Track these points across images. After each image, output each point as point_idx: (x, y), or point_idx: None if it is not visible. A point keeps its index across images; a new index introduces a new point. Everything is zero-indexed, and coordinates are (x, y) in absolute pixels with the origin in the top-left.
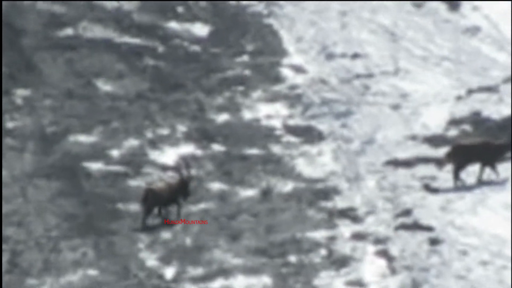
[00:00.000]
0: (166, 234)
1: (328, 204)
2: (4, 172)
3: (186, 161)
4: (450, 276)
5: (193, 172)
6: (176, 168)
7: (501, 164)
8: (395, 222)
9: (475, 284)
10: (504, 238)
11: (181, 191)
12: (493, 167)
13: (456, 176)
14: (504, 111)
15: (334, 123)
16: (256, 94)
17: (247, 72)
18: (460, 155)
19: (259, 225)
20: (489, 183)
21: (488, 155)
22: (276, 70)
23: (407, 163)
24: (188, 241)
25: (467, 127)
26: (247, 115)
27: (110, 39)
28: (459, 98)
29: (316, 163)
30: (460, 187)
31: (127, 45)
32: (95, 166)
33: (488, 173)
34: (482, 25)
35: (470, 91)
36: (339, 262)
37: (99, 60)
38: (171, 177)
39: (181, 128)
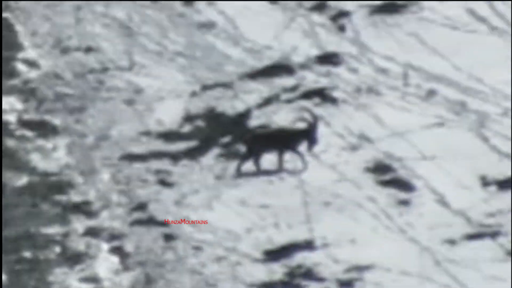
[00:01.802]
0: None
1: (63, 198)
2: None
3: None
4: (184, 272)
5: None
6: None
7: (234, 159)
8: (130, 217)
9: (209, 280)
10: (238, 234)
11: None
12: (295, 153)
13: (253, 163)
14: (239, 107)
15: (68, 118)
16: None
17: None
18: (257, 143)
19: None
20: (223, 178)
21: (285, 142)
22: (10, 65)
23: (142, 157)
24: None
25: (201, 123)
26: None
27: None
28: (193, 94)
29: (51, 157)
30: (195, 181)
31: None
32: None
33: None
34: (217, 20)
35: (204, 87)
36: (73, 258)
37: None
38: None
39: None
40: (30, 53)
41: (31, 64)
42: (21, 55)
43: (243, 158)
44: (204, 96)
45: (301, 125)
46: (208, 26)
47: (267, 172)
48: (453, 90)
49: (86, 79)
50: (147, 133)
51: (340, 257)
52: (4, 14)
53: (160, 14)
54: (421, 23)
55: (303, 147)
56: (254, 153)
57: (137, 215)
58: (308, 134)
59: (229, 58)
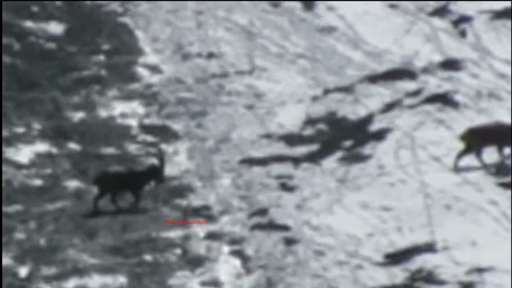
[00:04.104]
0: (20, 235)
1: (183, 203)
2: None
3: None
4: (305, 275)
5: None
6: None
7: (355, 163)
8: (251, 221)
9: (331, 283)
10: (359, 238)
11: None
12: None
13: (460, 156)
14: (360, 111)
15: (190, 122)
16: (112, 93)
17: (103, 71)
18: (475, 138)
19: (115, 224)
20: (345, 181)
21: (502, 136)
22: (132, 69)
23: (263, 162)
24: (42, 241)
25: (323, 127)
26: (103, 113)
27: None
28: (315, 98)
29: (172, 161)
30: (317, 185)
31: None
32: None
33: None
34: (338, 24)
35: (326, 91)
36: (194, 262)
37: None
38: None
39: (37, 126)
40: (151, 58)
41: (153, 69)
42: (142, 60)
43: (460, 155)
44: (325, 99)
45: None
46: (329, 30)
47: (485, 166)
48: None
49: (207, 83)
50: (267, 136)
51: (461, 260)
52: (124, 19)
53: (281, 18)
54: None
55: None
56: (472, 148)
57: (258, 219)
58: None
59: (350, 61)
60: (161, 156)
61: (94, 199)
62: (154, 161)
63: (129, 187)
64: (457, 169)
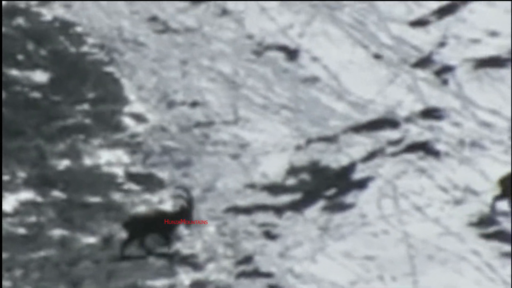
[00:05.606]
0: (6, 283)
1: (169, 251)
2: None
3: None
4: None
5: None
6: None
7: (338, 212)
8: (236, 269)
9: None
10: (342, 286)
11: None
12: None
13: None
14: (343, 161)
15: (175, 172)
16: (97, 141)
17: (87, 120)
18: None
19: (100, 272)
20: (327, 230)
21: None
22: (117, 118)
23: (247, 210)
24: None
25: (305, 176)
26: (88, 162)
27: None
28: (298, 147)
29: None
30: (300, 233)
31: None
32: None
33: None
34: (321, 74)
35: (309, 141)
36: None
37: None
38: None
39: (21, 174)
40: (136, 107)
41: (138, 117)
42: (127, 108)
43: (496, 199)
44: (308, 149)
45: None
46: (312, 80)
47: None
48: None
49: (192, 133)
50: (252, 186)
51: None
52: (109, 68)
53: (265, 68)
54: None
55: None
56: (508, 194)
57: (243, 267)
58: None
59: (334, 112)
60: (189, 198)
61: (122, 244)
62: (182, 203)
63: (159, 230)
64: (495, 213)
